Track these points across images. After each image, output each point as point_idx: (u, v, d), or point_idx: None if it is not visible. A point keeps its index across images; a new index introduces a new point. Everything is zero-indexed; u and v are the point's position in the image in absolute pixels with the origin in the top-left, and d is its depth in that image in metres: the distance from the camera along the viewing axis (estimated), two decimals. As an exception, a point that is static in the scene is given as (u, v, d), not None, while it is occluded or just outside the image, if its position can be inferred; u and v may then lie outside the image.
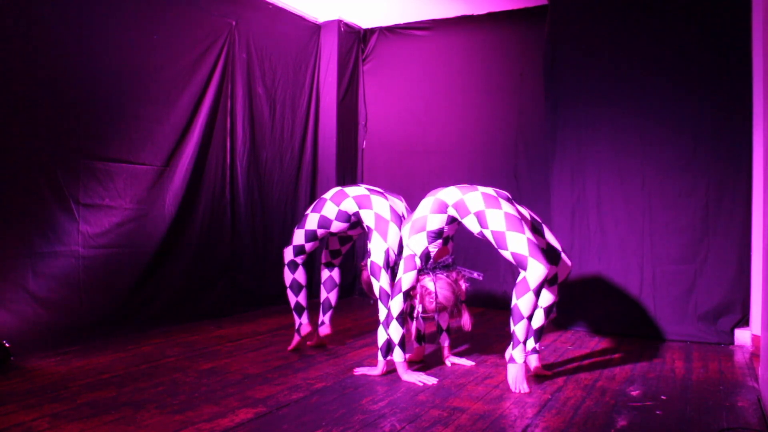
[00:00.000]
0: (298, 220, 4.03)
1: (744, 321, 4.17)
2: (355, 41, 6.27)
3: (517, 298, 2.99)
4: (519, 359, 3.06)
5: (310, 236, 3.77)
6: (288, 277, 3.84)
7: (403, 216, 3.55)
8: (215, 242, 5.07)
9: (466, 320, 3.42)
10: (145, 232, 4.48)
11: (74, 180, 4.01)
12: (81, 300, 4.06)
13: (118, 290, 4.31)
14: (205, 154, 4.95)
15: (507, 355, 3.14)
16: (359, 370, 3.37)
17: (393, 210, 3.52)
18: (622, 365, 3.59)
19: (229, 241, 5.20)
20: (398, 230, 3.45)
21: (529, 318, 3.01)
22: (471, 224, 3.15)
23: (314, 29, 6.04)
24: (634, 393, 3.05)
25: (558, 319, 4.72)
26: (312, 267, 4.60)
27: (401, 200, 3.67)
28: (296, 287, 3.84)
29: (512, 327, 3.04)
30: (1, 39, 3.62)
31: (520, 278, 3.01)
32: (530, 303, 2.97)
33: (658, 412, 2.76)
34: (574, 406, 2.83)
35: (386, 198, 3.59)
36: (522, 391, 3.04)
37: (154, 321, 4.48)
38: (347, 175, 6.16)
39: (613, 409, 2.79)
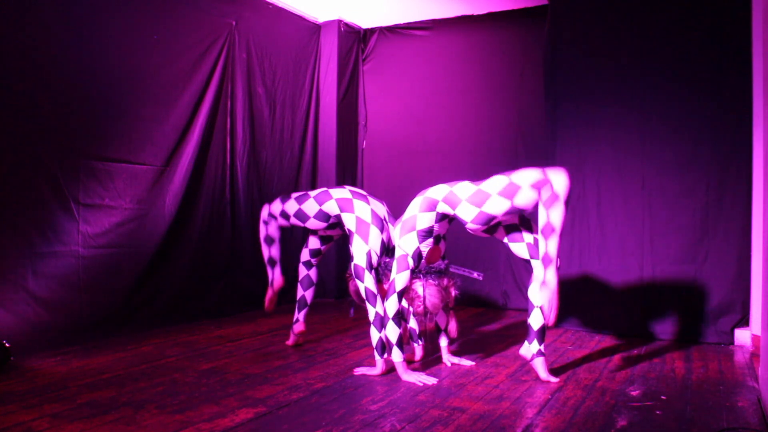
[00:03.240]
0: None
1: (744, 321, 4.17)
2: (355, 41, 6.27)
3: (549, 211, 2.97)
4: (552, 283, 3.01)
5: (283, 215, 3.85)
6: (262, 231, 3.93)
7: (385, 219, 3.57)
8: (215, 242, 5.07)
9: (452, 327, 3.53)
10: (145, 232, 4.48)
11: (74, 180, 4.02)
12: (81, 300, 4.06)
13: (118, 290, 4.31)
14: (205, 154, 4.95)
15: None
16: (359, 370, 3.37)
17: (374, 213, 3.55)
18: (622, 365, 3.59)
19: (229, 241, 5.20)
20: (379, 233, 3.48)
21: (561, 233, 3.00)
22: (465, 212, 3.11)
23: (314, 29, 6.04)
24: (634, 393, 3.05)
25: (558, 318, 4.72)
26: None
27: (383, 204, 3.70)
28: (269, 240, 3.94)
29: (544, 248, 3.00)
30: (1, 39, 3.62)
31: (542, 222, 2.99)
32: (562, 214, 2.97)
33: (658, 412, 2.76)
34: (574, 406, 2.83)
35: (368, 202, 3.62)
36: (549, 321, 3.07)
37: (154, 321, 4.48)
38: (347, 175, 6.16)
39: (613, 409, 2.79)
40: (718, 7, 4.23)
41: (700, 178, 4.26)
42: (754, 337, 3.97)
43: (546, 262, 3.02)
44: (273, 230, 3.93)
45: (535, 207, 3.08)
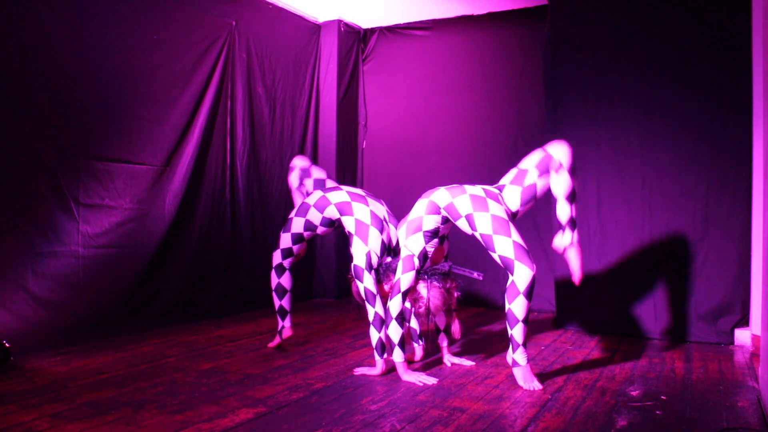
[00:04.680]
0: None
1: (744, 321, 4.17)
2: (355, 41, 6.27)
3: (510, 303, 3.02)
4: (522, 362, 3.09)
5: (297, 238, 3.84)
6: (274, 280, 3.90)
7: (385, 219, 3.59)
8: (215, 242, 5.07)
9: (456, 328, 3.53)
10: (145, 232, 4.48)
11: (74, 180, 4.01)
12: (81, 300, 4.06)
13: (118, 290, 4.31)
14: (205, 154, 4.95)
15: (509, 359, 3.14)
16: (359, 370, 3.37)
17: (373, 215, 3.56)
18: (622, 365, 3.59)
19: (229, 241, 5.20)
20: (379, 234, 3.49)
21: (525, 321, 3.03)
22: (463, 226, 3.20)
23: (314, 29, 6.04)
24: (634, 393, 3.04)
25: (558, 318, 4.72)
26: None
27: (382, 204, 3.71)
28: (281, 291, 3.90)
29: (509, 331, 3.06)
30: (1, 39, 3.62)
31: (509, 282, 3.04)
32: (523, 306, 3.00)
33: (658, 412, 2.76)
34: (574, 406, 2.83)
35: (367, 203, 3.62)
36: (536, 389, 3.07)
37: (154, 321, 4.48)
38: (347, 175, 6.16)
39: (613, 409, 2.79)
40: (718, 7, 4.23)
41: (700, 178, 4.26)
42: (754, 337, 3.97)
43: (513, 345, 3.08)
44: (285, 281, 3.90)
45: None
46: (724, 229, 4.20)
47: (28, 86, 3.76)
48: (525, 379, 3.10)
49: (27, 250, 3.77)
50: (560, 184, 3.14)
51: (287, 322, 3.94)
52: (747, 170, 4.13)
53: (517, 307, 3.00)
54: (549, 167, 3.18)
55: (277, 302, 3.92)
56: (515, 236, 3.06)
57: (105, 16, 4.16)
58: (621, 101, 4.47)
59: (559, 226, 3.23)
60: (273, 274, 3.90)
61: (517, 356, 3.08)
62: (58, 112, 3.92)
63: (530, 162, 3.25)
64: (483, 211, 3.12)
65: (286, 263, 3.88)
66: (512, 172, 3.29)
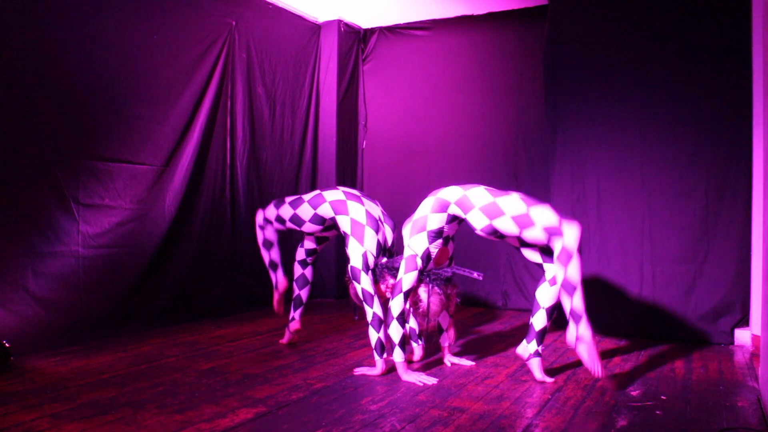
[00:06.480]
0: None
1: (744, 321, 4.17)
2: (355, 41, 6.28)
3: (566, 267, 2.92)
4: (589, 335, 2.96)
5: (279, 220, 3.89)
6: (260, 235, 4.00)
7: (380, 219, 3.58)
8: (215, 242, 5.07)
9: (450, 334, 3.55)
10: (145, 232, 4.48)
11: (74, 180, 4.02)
12: (81, 300, 4.06)
13: (118, 290, 4.31)
14: (205, 154, 4.95)
15: (570, 338, 3.01)
16: (359, 370, 3.37)
17: (369, 214, 3.54)
18: (622, 365, 3.59)
19: (229, 241, 5.21)
20: (374, 234, 3.48)
21: (582, 284, 2.94)
22: (475, 219, 3.12)
23: (314, 29, 6.04)
24: (634, 393, 3.05)
25: (558, 319, 4.72)
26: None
27: (377, 204, 3.71)
28: (268, 245, 3.99)
29: (569, 303, 2.94)
30: (2, 39, 3.62)
31: (557, 251, 2.96)
32: (579, 266, 2.92)
33: (658, 412, 2.76)
34: (574, 406, 2.83)
35: (362, 203, 3.61)
36: (597, 373, 2.96)
37: (154, 321, 4.49)
38: (347, 175, 6.16)
39: (613, 409, 2.79)
40: (718, 7, 4.23)
41: (700, 178, 4.26)
42: (754, 337, 3.97)
43: (575, 318, 2.96)
44: (270, 234, 3.97)
45: (538, 244, 3.09)
46: (724, 229, 4.20)
47: (28, 86, 3.76)
48: (590, 355, 2.96)
49: (27, 250, 3.77)
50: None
51: (279, 275, 4.01)
52: (747, 170, 4.13)
53: (573, 269, 2.91)
54: (553, 243, 3.00)
55: (266, 257, 3.99)
56: (546, 205, 3.07)
57: (105, 16, 4.16)
58: (621, 101, 4.47)
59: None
60: (258, 230, 4.00)
61: (583, 328, 2.95)
62: (58, 112, 3.92)
63: (541, 219, 2.99)
64: (506, 195, 3.10)
65: (264, 216, 3.96)
66: (518, 208, 3.05)
